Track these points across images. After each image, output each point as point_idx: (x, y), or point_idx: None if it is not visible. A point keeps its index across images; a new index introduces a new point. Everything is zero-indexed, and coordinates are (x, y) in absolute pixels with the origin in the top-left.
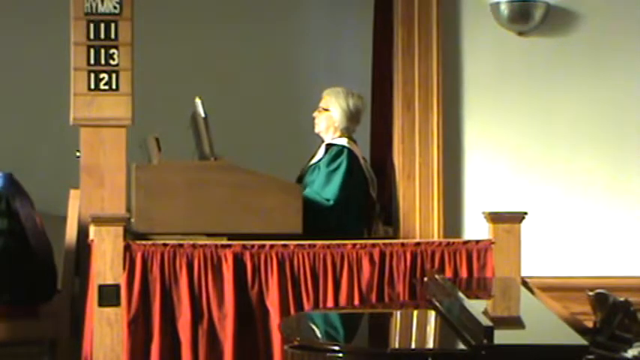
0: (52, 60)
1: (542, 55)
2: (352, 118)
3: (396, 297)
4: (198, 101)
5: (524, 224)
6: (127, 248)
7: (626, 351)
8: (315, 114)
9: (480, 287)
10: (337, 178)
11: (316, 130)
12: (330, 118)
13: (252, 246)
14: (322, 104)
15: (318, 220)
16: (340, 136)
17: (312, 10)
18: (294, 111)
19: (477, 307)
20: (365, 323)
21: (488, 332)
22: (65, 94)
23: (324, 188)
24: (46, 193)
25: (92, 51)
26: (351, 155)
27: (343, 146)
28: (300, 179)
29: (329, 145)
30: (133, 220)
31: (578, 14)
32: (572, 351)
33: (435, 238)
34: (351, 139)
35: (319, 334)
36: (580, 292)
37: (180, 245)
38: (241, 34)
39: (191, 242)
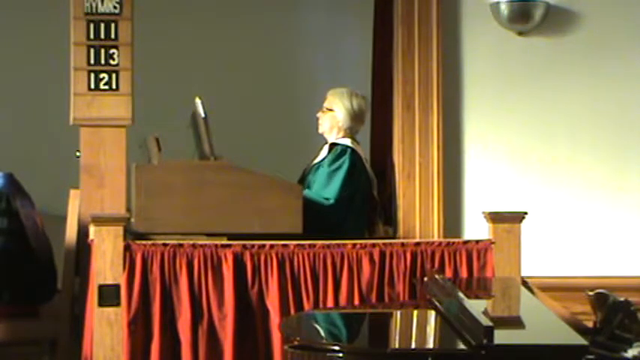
0: (52, 60)
1: (542, 55)
2: (356, 118)
3: (396, 297)
4: (198, 101)
5: (524, 224)
6: (127, 248)
7: (626, 351)
8: (319, 114)
9: (480, 287)
10: (338, 178)
11: (320, 131)
12: (333, 118)
13: (252, 246)
14: (326, 104)
15: (318, 220)
16: (344, 136)
17: (312, 10)
18: (295, 111)
19: (476, 307)
20: (365, 323)
21: (489, 332)
22: (65, 94)
23: (325, 188)
24: (46, 193)
25: (92, 51)
26: (354, 155)
27: (347, 146)
28: (303, 179)
29: (332, 145)
30: (133, 220)
31: (578, 14)
32: (572, 351)
33: (435, 238)
34: (354, 139)
35: (319, 334)
36: (580, 292)
37: (180, 245)
38: (241, 34)
39: (191, 242)
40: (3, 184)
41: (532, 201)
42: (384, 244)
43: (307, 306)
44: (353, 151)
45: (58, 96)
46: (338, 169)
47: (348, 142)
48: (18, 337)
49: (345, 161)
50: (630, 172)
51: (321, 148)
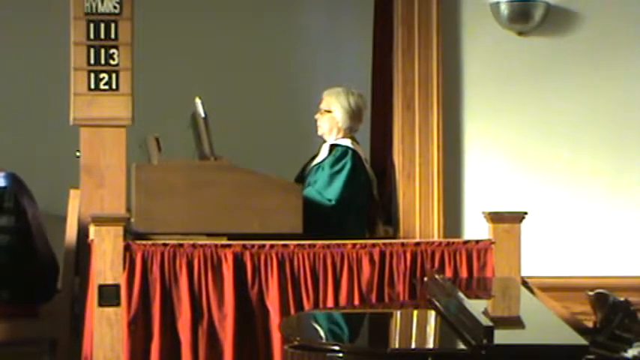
0: (52, 60)
1: (542, 55)
2: (355, 116)
3: (396, 297)
4: (198, 101)
5: (524, 224)
6: (127, 248)
7: (626, 351)
8: (317, 116)
9: (480, 287)
10: (340, 180)
11: (319, 133)
12: (333, 119)
13: (252, 246)
14: (323, 106)
15: (320, 220)
16: (344, 137)
17: (312, 10)
18: (295, 111)
19: (476, 307)
20: (365, 323)
21: (489, 332)
22: (65, 94)
23: (327, 189)
24: (46, 193)
25: (92, 51)
26: (355, 157)
27: (347, 147)
28: (301, 179)
29: (333, 146)
30: (133, 220)
31: (578, 14)
32: (572, 351)
33: (435, 238)
34: (354, 139)
35: (319, 334)
36: (580, 292)
37: (180, 245)
38: (241, 33)
39: (191, 242)
40: (9, 182)
41: (532, 201)
42: (384, 244)
43: (307, 306)
44: (354, 152)
45: (58, 96)
46: (340, 172)
47: (348, 142)
48: (18, 337)
49: (347, 163)
50: (631, 172)
51: (320, 149)
